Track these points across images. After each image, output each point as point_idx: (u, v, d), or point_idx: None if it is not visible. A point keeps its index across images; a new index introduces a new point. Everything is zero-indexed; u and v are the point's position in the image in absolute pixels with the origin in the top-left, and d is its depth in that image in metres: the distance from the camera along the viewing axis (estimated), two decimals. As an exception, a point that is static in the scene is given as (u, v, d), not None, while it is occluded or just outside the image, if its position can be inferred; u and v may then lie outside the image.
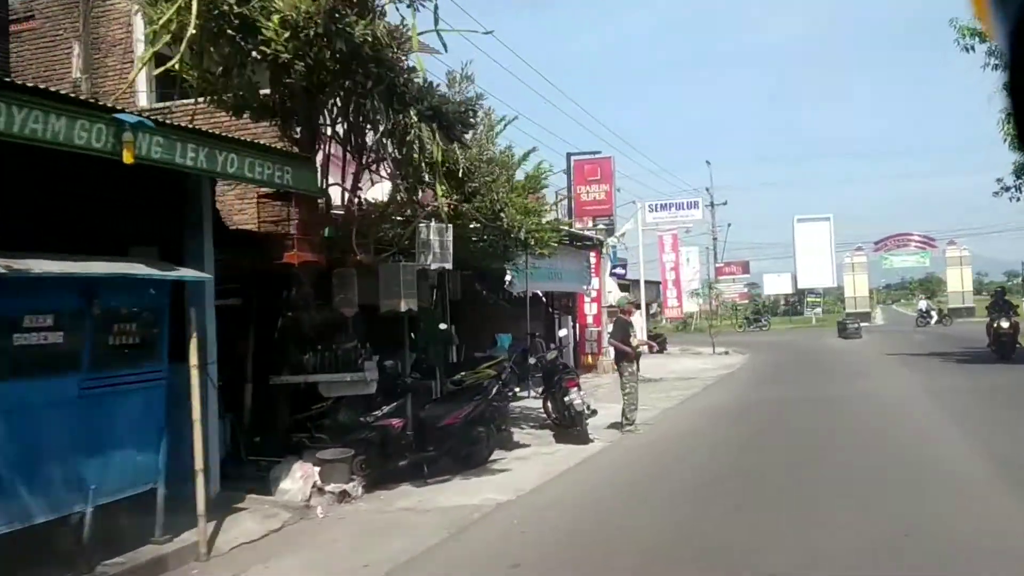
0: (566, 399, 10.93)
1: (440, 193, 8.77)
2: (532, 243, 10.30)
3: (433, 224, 9.19)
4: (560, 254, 19.77)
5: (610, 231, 22.61)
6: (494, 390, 9.80)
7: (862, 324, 40.83)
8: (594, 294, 23.02)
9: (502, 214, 9.77)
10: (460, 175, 9.36)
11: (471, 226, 10.24)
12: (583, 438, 10.87)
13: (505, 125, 11.13)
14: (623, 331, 11.84)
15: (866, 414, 12.42)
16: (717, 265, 61.46)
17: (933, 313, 44.14)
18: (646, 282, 34.54)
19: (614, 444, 10.94)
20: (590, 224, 22.78)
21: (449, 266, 9.35)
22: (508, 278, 15.99)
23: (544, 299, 23.62)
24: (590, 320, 22.82)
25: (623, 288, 34.30)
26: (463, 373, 12.31)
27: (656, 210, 32.68)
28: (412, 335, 12.39)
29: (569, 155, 23.47)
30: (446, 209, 8.98)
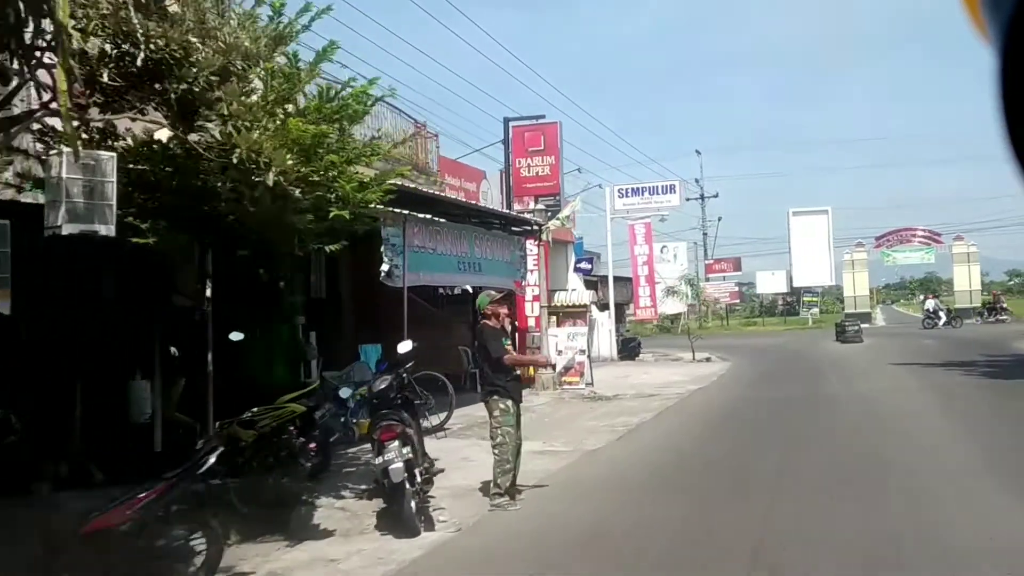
0: (377, 461, 6.56)
1: (62, 83, 4.44)
2: (298, 195, 5.93)
3: (62, 154, 4.85)
4: (479, 239, 15.50)
5: (556, 213, 18.24)
6: (212, 457, 5.44)
7: (863, 325, 36.49)
8: (537, 291, 18.72)
9: (235, 140, 5.42)
10: (142, 63, 5.04)
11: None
12: (408, 526, 6.50)
13: (312, 19, 6.73)
14: (495, 344, 7.43)
15: (877, 447, 8.12)
16: (706, 262, 57.18)
17: (941, 314, 39.65)
18: (617, 279, 30.24)
19: (462, 534, 6.57)
20: (531, 206, 18.47)
21: (107, 230, 5.00)
22: (385, 267, 11.68)
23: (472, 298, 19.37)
24: (532, 323, 18.50)
25: (590, 286, 29.96)
26: (253, 410, 8.00)
27: (627, 195, 28.32)
28: (174, 350, 8.07)
29: (507, 120, 19.10)
30: (71, 115, 4.62)
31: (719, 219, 58.97)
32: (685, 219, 49.00)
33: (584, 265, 28.34)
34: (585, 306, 28.44)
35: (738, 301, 61.92)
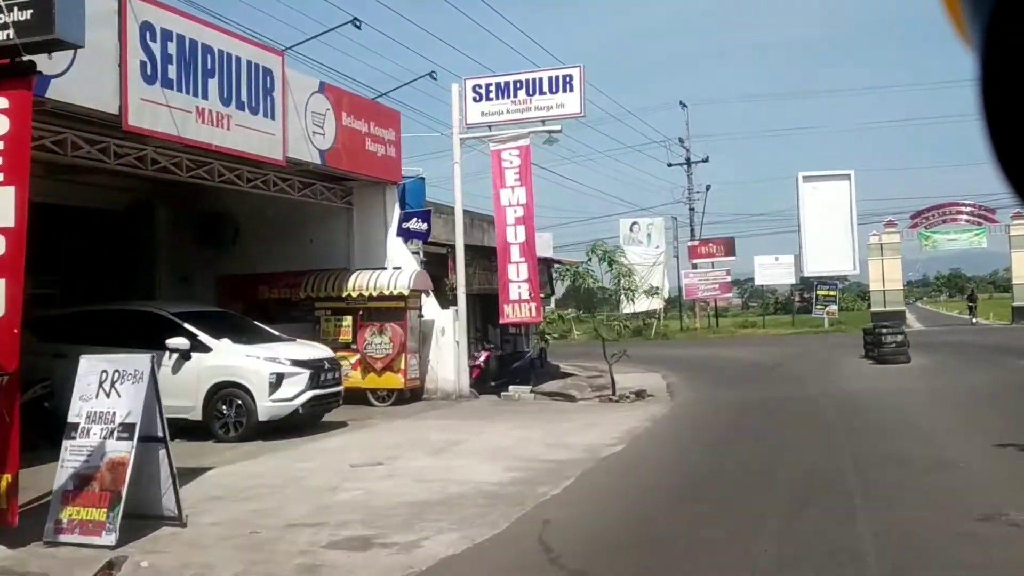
0: None
1: None
2: None
3: None
4: None
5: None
6: None
7: (905, 330, 23.25)
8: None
9: None
10: None
11: None
12: None
13: None
14: None
15: None
16: (691, 243, 44.13)
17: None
18: (471, 248, 17.59)
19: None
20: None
21: None
22: None
23: None
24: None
25: (438, 262, 17.22)
26: None
27: (488, 95, 15.52)
28: None
29: None
30: None
31: (707, 188, 46.03)
32: (667, 189, 36.60)
33: (416, 225, 15.61)
34: (404, 298, 15.85)
35: (730, 295, 48.75)
